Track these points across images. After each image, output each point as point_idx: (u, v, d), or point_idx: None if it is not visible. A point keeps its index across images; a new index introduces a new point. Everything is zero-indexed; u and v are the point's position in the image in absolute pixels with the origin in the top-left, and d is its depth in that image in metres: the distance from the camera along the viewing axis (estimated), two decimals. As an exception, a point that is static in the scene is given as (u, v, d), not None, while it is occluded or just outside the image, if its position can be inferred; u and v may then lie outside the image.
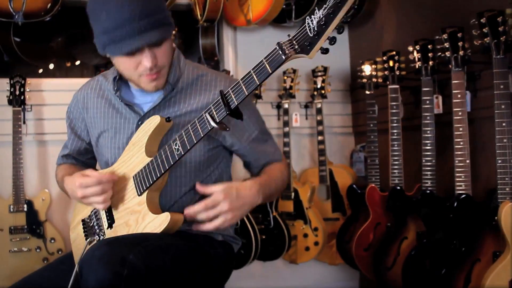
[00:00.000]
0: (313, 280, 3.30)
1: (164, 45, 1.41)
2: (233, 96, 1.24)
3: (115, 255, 1.21)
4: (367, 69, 2.75)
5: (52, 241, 2.72)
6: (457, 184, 2.04)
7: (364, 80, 2.76)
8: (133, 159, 1.47)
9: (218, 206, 1.33)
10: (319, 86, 3.10)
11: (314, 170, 3.16)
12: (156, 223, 1.37)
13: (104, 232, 1.50)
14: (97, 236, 1.50)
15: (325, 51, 1.16)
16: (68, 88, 2.90)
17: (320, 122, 3.08)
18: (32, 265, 2.61)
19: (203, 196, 1.56)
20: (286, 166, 1.62)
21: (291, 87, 3.09)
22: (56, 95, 2.91)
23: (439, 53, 2.15)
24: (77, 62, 3.69)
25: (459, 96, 2.06)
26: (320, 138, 3.08)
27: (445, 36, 2.09)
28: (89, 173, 1.45)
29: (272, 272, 3.23)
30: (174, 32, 1.49)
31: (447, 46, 2.09)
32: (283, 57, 1.16)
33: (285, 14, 3.05)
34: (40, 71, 3.53)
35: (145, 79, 1.45)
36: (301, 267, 3.16)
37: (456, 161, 2.06)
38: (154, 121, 1.44)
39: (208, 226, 1.35)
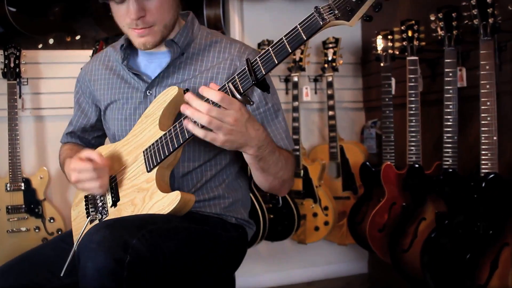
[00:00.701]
0: (321, 260, 3.23)
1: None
2: (260, 64, 1.11)
3: (116, 239, 1.08)
4: (383, 40, 2.60)
5: (52, 220, 2.64)
6: (483, 162, 1.91)
7: (380, 52, 2.61)
8: (144, 132, 1.35)
9: (228, 111, 1.13)
10: (330, 58, 2.95)
11: (323, 147, 3.04)
12: (165, 202, 1.25)
13: (107, 210, 1.38)
14: (99, 215, 1.38)
15: (368, 18, 1.05)
16: (66, 61, 2.80)
17: (331, 96, 2.94)
18: (31, 246, 2.42)
19: (211, 177, 1.44)
20: (293, 160, 1.43)
21: (301, 59, 2.95)
22: (53, 68, 2.79)
23: (466, 21, 2.00)
24: (78, 37, 3.55)
25: (487, 67, 1.92)
26: (330, 113, 2.95)
27: (473, 1, 1.93)
28: (85, 156, 1.34)
29: (279, 252, 3.14)
30: None
31: (475, 13, 1.94)
32: (321, 22, 1.04)
33: (296, -17, 2.89)
34: (40, 46, 3.40)
35: (132, 33, 1.35)
36: (309, 247, 3.07)
37: (482, 138, 1.93)
38: (171, 92, 1.32)
39: (198, 131, 1.16)
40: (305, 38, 1.06)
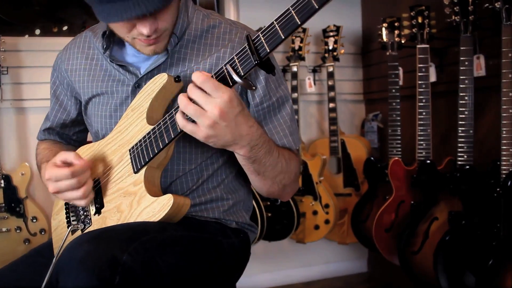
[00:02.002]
0: (320, 260, 3.11)
1: (171, 5, 1.10)
2: (264, 41, 0.93)
3: (103, 255, 0.90)
4: (388, 27, 2.43)
5: (34, 220, 2.47)
6: (504, 159, 1.76)
7: (386, 40, 2.44)
8: (131, 127, 1.17)
9: (212, 99, 0.96)
10: (331, 47, 2.79)
11: (323, 141, 2.89)
12: (155, 208, 1.07)
13: (90, 219, 1.19)
14: (81, 224, 1.20)
15: None
16: (49, 48, 2.61)
17: (331, 88, 2.79)
18: (13, 247, 2.40)
19: (208, 178, 1.26)
20: (297, 161, 1.24)
21: (300, 48, 2.78)
22: (36, 56, 2.61)
23: (487, 5, 1.83)
24: (65, 27, 3.38)
25: (510, 55, 1.76)
26: (331, 105, 2.79)
27: (494, -17, 1.78)
28: (61, 160, 1.15)
29: (276, 252, 3.00)
30: None
31: (497, -5, 1.78)
32: None
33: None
34: (26, 36, 3.23)
35: (140, 42, 1.14)
36: (308, 245, 2.93)
37: (504, 132, 1.78)
38: (159, 80, 1.13)
39: (179, 119, 1.01)
40: (316, 7, 0.87)
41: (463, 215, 1.88)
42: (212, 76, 1.00)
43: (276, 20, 0.92)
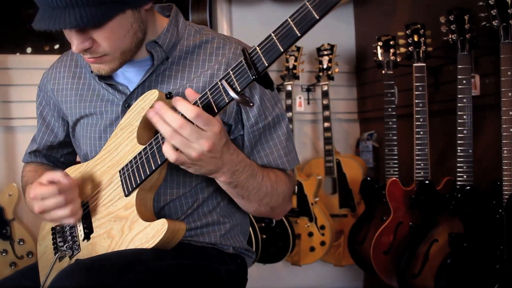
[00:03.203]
0: (315, 281, 3.04)
1: (106, 27, 1.01)
2: (261, 54, 0.88)
3: (96, 286, 0.84)
4: (384, 45, 2.41)
5: (21, 243, 2.41)
6: (506, 179, 1.73)
7: (381, 58, 2.42)
8: (120, 147, 1.11)
9: (204, 133, 0.93)
10: (325, 66, 2.76)
11: (318, 161, 2.85)
12: (149, 233, 1.01)
13: (79, 244, 1.13)
14: (69, 251, 1.13)
15: None
16: (39, 66, 2.56)
17: (326, 107, 2.76)
18: None
19: (204, 201, 1.21)
20: (288, 182, 1.20)
21: (294, 67, 2.76)
22: (25, 74, 2.58)
23: (484, 23, 1.82)
24: (56, 46, 3.35)
25: (509, 73, 1.74)
26: (326, 124, 2.76)
27: (491, 1, 1.76)
28: (46, 180, 1.09)
29: (270, 274, 2.94)
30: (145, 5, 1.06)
31: (494, 13, 1.76)
32: None
33: (287, -15, 2.71)
34: (17, 54, 3.20)
35: (84, 59, 1.10)
36: (302, 267, 2.87)
37: (505, 152, 1.75)
38: (150, 97, 1.07)
39: (166, 148, 0.96)
40: (317, 18, 0.83)
41: (464, 237, 1.83)
42: (205, 93, 0.95)
43: (274, 32, 0.87)
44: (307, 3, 0.83)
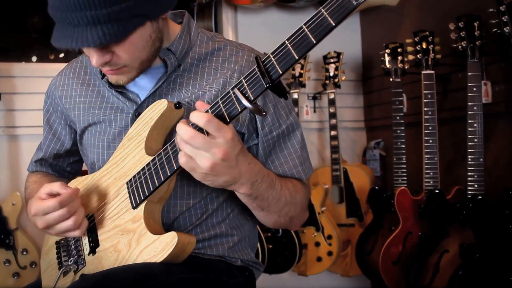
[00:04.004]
0: (321, 292, 2.97)
1: (126, 41, 1.00)
2: (275, 62, 0.86)
3: None
4: (391, 53, 2.39)
5: (24, 252, 2.37)
6: (519, 188, 1.69)
7: (389, 66, 2.39)
8: (128, 158, 1.08)
9: (216, 141, 0.90)
10: (332, 74, 2.74)
11: (325, 170, 2.81)
12: (157, 247, 0.98)
13: (84, 259, 1.10)
14: (74, 265, 1.10)
15: None
16: (44, 74, 2.57)
17: (333, 115, 2.73)
18: (1, 281, 2.31)
19: (213, 212, 1.18)
20: (305, 191, 1.18)
21: (301, 75, 2.74)
22: (30, 82, 2.56)
23: (495, 29, 1.79)
24: (61, 55, 3.36)
25: (521, 80, 1.71)
26: (333, 133, 2.73)
27: (502, 7, 1.73)
28: (45, 193, 1.07)
29: (277, 285, 2.89)
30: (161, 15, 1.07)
31: (505, 19, 1.73)
32: (354, 2, 0.78)
33: (294, -8, 2.70)
34: (22, 63, 3.21)
35: (102, 71, 1.09)
36: (309, 278, 2.82)
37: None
38: (158, 107, 1.05)
39: (180, 156, 0.95)
40: (333, 24, 0.81)
41: (476, 248, 1.79)
42: (217, 102, 0.93)
43: (288, 39, 0.85)
44: (322, 10, 0.81)
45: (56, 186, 1.06)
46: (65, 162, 1.38)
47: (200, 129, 0.91)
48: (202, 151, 0.90)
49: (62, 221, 1.04)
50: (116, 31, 0.95)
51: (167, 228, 1.07)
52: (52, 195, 1.06)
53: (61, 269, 1.11)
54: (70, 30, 0.94)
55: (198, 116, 0.90)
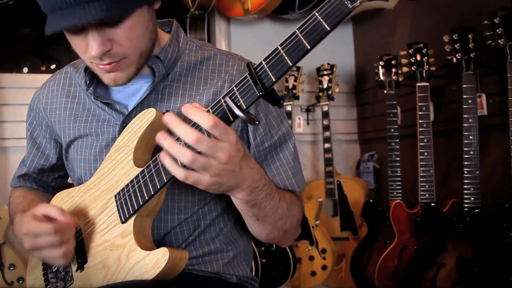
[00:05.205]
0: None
1: (126, 24, 0.96)
2: (268, 69, 0.82)
3: None
4: (385, 65, 2.38)
5: (12, 268, 2.32)
6: (516, 201, 1.67)
7: (382, 78, 2.38)
8: (116, 170, 1.04)
9: (222, 144, 0.84)
10: (325, 86, 2.73)
11: (319, 183, 2.78)
12: (148, 263, 0.94)
13: (71, 276, 1.05)
14: (61, 282, 1.06)
15: None
16: (35, 86, 2.46)
17: (326, 127, 2.71)
18: None
19: (206, 228, 1.14)
20: (300, 205, 1.15)
21: (294, 87, 2.72)
22: (19, 93, 2.53)
23: (490, 41, 1.79)
24: (53, 66, 3.33)
25: (517, 93, 1.69)
26: (326, 145, 2.71)
27: (497, 20, 1.73)
28: (42, 213, 1.02)
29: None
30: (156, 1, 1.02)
31: (500, 32, 1.73)
32: (349, 6, 0.75)
33: (287, 4, 2.70)
34: (13, 74, 3.18)
35: (97, 69, 1.03)
36: (303, 292, 2.77)
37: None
38: (146, 116, 1.01)
39: (177, 171, 0.86)
40: (328, 29, 0.77)
41: (473, 261, 1.77)
42: (208, 111, 0.88)
43: (281, 45, 0.82)
44: (316, 14, 0.78)
45: (54, 211, 1.01)
46: (49, 177, 1.34)
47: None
48: (208, 158, 0.84)
49: (51, 248, 1.00)
50: (116, 7, 0.91)
51: (158, 245, 1.03)
52: (48, 217, 1.02)
53: (48, 286, 1.06)
54: (69, 10, 0.91)
55: (204, 117, 0.83)
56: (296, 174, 1.14)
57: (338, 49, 3.03)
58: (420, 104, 2.12)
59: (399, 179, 2.34)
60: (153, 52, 1.08)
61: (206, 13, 2.73)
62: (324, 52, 2.82)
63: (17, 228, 1.10)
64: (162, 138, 0.85)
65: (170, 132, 0.86)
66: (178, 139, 0.86)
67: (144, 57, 1.04)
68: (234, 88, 0.85)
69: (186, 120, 0.85)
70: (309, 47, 0.79)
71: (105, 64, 1.00)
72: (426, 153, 2.11)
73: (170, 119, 0.85)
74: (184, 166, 0.85)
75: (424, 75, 2.14)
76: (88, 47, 0.97)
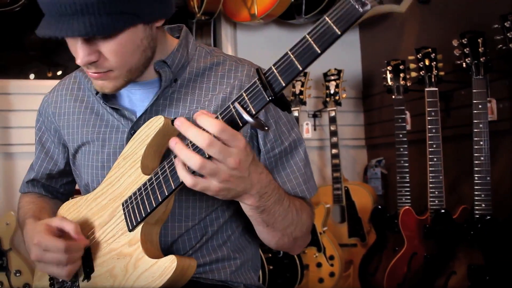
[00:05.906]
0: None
1: (116, 39, 0.95)
2: (277, 74, 0.81)
3: None
4: (393, 70, 2.36)
5: (18, 274, 2.32)
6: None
7: (390, 83, 2.36)
8: (123, 178, 1.03)
9: (231, 150, 0.83)
10: (332, 91, 2.71)
11: (326, 189, 2.76)
12: (155, 272, 0.92)
13: (78, 285, 1.04)
14: (68, 291, 1.05)
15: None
16: (41, 91, 2.48)
17: (334, 133, 2.70)
18: None
19: (213, 234, 1.12)
20: (310, 211, 1.13)
21: (301, 92, 2.71)
22: (26, 99, 2.55)
23: (501, 45, 1.77)
24: (59, 72, 3.34)
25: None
26: (334, 151, 2.69)
27: (507, 24, 1.70)
28: (57, 226, 1.02)
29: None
30: (157, 22, 1.03)
31: (510, 36, 1.71)
32: (360, 10, 0.73)
33: (293, 10, 2.69)
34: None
35: (88, 74, 1.03)
36: (310, 299, 2.75)
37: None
38: (155, 124, 1.00)
39: (185, 176, 0.86)
40: (339, 33, 0.76)
41: (485, 269, 1.74)
42: (217, 117, 0.87)
43: (291, 50, 0.80)
44: (326, 18, 0.76)
45: (70, 228, 1.01)
46: (58, 183, 1.33)
47: None
48: (219, 163, 0.83)
49: (57, 266, 1.00)
50: (105, 23, 0.90)
51: (165, 252, 1.01)
52: (62, 231, 1.01)
53: (54, 296, 1.06)
54: (56, 18, 0.90)
55: (211, 123, 0.82)
56: (307, 181, 1.12)
57: (345, 54, 3.02)
58: (429, 109, 2.10)
59: (408, 185, 2.31)
60: (162, 57, 1.07)
61: (213, 19, 2.72)
62: (331, 57, 2.79)
63: (27, 235, 1.09)
64: (173, 143, 0.85)
65: (182, 139, 0.85)
66: (188, 145, 0.85)
67: (134, 72, 1.03)
68: (244, 93, 0.84)
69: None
70: (319, 52, 0.77)
71: (92, 72, 1.00)
72: (435, 159, 2.09)
73: (181, 123, 0.84)
74: (193, 173, 0.85)
75: (433, 80, 2.12)
76: (75, 53, 0.97)
